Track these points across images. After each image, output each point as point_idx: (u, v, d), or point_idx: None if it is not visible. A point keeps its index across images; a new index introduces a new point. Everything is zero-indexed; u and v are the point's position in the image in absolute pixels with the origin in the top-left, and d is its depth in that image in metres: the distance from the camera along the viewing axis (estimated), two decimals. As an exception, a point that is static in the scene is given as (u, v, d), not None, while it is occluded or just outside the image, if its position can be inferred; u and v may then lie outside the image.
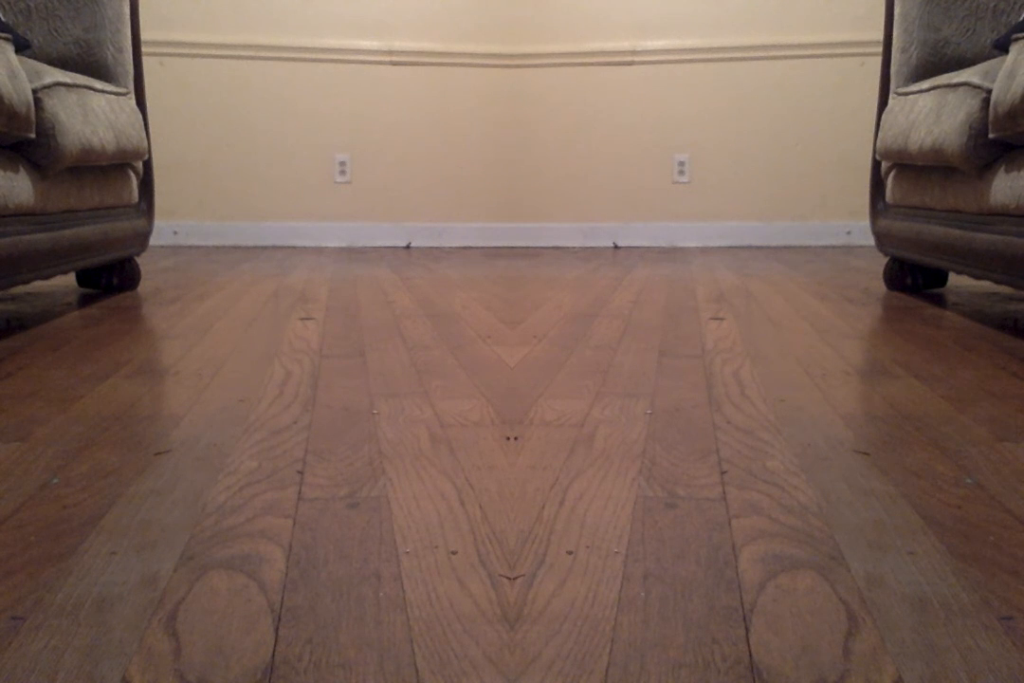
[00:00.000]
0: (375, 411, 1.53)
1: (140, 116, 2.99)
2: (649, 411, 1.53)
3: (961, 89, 2.40)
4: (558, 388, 1.69)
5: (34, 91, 2.29)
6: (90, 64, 2.95)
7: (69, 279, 3.44)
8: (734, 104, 5.16)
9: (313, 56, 5.12)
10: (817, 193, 5.16)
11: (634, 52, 5.21)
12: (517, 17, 5.23)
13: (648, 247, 5.24)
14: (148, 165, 3.14)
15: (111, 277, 3.10)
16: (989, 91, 2.29)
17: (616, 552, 0.96)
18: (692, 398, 1.62)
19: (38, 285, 3.31)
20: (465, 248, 5.21)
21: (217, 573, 0.91)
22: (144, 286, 3.24)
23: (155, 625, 0.80)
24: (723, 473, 1.21)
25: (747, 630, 0.79)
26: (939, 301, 2.86)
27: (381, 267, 3.99)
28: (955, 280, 3.43)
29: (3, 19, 2.68)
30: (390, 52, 5.20)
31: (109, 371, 1.83)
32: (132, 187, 3.02)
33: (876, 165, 3.14)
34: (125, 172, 2.96)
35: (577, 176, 5.31)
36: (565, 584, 0.89)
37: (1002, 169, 2.25)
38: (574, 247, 5.27)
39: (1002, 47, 2.69)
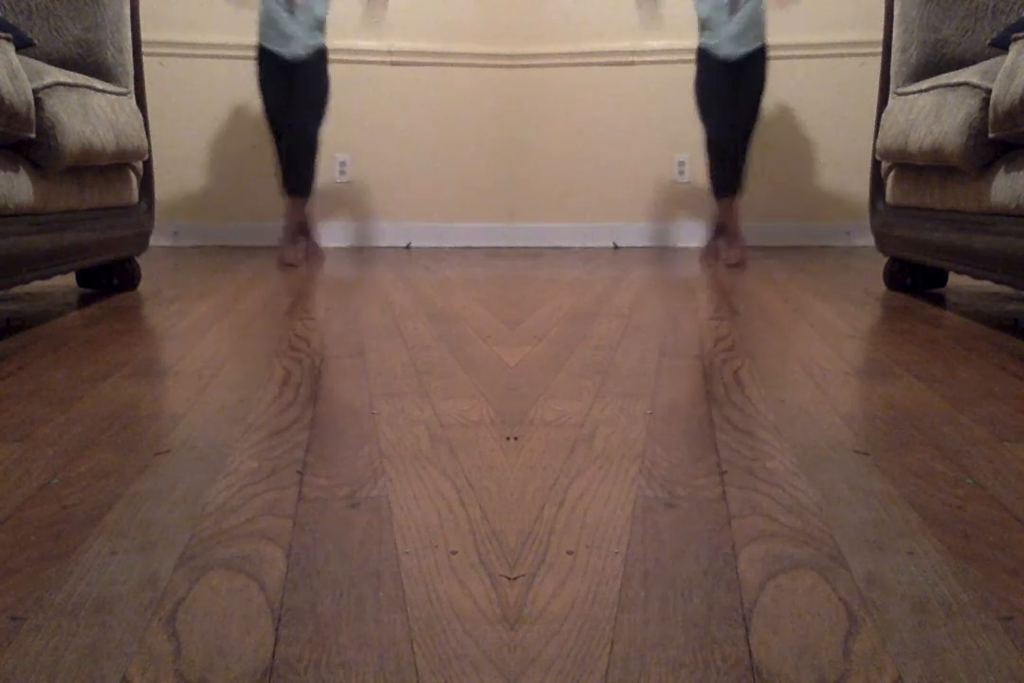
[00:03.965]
0: (375, 411, 1.53)
1: (140, 116, 2.99)
2: (649, 411, 1.53)
3: (961, 89, 2.40)
4: (558, 388, 1.69)
5: (35, 91, 2.29)
6: (90, 64, 2.95)
7: (69, 279, 3.44)
8: (734, 104, 5.16)
9: (313, 56, 5.11)
10: (817, 193, 5.16)
11: (634, 52, 5.21)
12: (517, 17, 5.23)
13: (648, 247, 5.24)
14: (148, 165, 3.14)
15: (111, 277, 3.10)
16: (989, 91, 2.29)
17: (616, 552, 0.96)
18: (692, 398, 1.62)
19: (38, 285, 3.31)
20: (465, 248, 5.21)
21: (217, 573, 0.91)
22: (144, 286, 3.23)
23: (155, 625, 0.80)
24: (723, 473, 1.21)
25: (747, 630, 0.79)
26: (939, 301, 2.86)
27: (381, 267, 3.99)
28: (955, 280, 3.43)
29: (4, 18, 2.68)
30: (390, 52, 5.20)
31: (109, 371, 1.83)
32: (132, 187, 3.02)
33: (876, 165, 3.14)
34: (125, 172, 2.96)
35: (577, 176, 5.31)
36: (565, 584, 0.89)
37: (1002, 169, 2.25)
38: (574, 247, 5.27)
39: (1000, 45, 2.69)
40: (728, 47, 4.32)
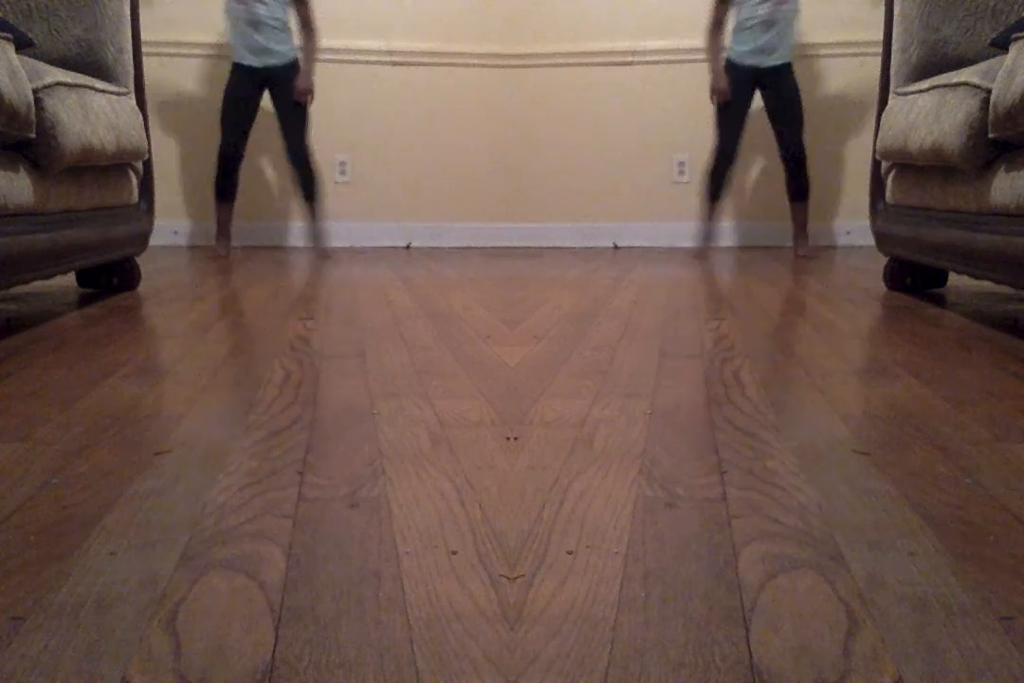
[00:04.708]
0: (375, 411, 1.53)
1: (140, 116, 2.99)
2: (649, 411, 1.53)
3: (961, 89, 2.40)
4: (558, 388, 1.69)
5: (34, 91, 2.29)
6: (90, 64, 2.95)
7: (69, 279, 3.44)
8: (734, 104, 5.16)
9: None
10: (817, 193, 5.16)
11: (634, 52, 5.21)
12: (517, 17, 5.23)
13: (648, 247, 5.24)
14: (148, 165, 3.14)
15: (111, 277, 3.10)
16: (989, 91, 2.29)
17: (616, 552, 0.96)
18: (692, 398, 1.62)
19: (38, 285, 3.31)
20: (465, 248, 5.21)
21: (217, 573, 0.91)
22: (144, 286, 3.24)
23: (155, 625, 0.80)
24: (723, 473, 1.21)
25: (747, 630, 0.79)
26: (939, 301, 2.86)
27: (381, 267, 3.99)
28: (955, 280, 3.43)
29: (4, 18, 2.68)
30: (390, 52, 5.20)
31: (109, 371, 1.83)
32: (132, 187, 3.02)
33: (876, 165, 3.14)
34: (125, 172, 2.96)
35: (577, 176, 5.31)
36: (565, 584, 0.89)
37: (1002, 169, 2.25)
38: (574, 247, 5.27)
39: (1000, 45, 2.69)
40: (752, 58, 4.45)
